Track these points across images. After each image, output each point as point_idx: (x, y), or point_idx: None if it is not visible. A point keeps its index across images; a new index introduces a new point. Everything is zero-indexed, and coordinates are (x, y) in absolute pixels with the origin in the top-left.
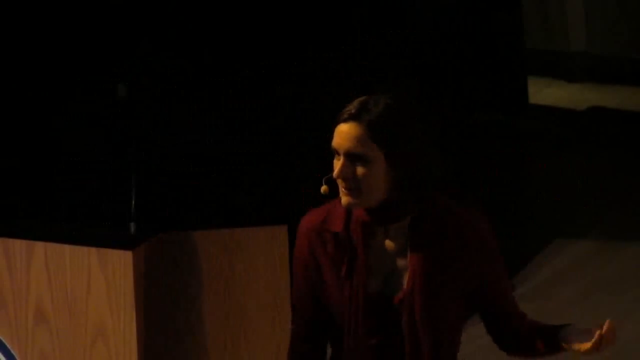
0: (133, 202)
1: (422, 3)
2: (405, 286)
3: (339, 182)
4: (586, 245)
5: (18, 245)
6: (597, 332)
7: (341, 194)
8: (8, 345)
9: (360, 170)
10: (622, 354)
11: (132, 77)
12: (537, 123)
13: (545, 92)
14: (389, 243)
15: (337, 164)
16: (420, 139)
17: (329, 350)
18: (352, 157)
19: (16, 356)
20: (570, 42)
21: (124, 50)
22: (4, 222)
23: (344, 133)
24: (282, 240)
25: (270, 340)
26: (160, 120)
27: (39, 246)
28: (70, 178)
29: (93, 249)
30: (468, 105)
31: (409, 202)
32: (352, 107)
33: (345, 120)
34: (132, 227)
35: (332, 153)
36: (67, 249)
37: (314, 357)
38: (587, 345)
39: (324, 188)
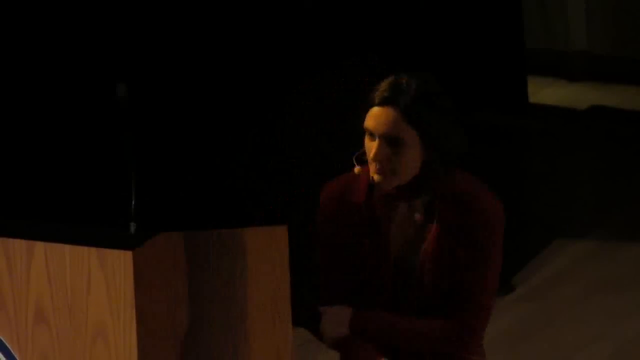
0: (133, 202)
1: (423, 3)
2: (423, 254)
3: (373, 162)
4: (586, 245)
5: (18, 245)
6: None
7: (373, 173)
8: (8, 345)
9: (396, 152)
10: (622, 354)
11: (132, 77)
12: (537, 123)
13: (546, 92)
14: (410, 214)
15: (372, 145)
16: (448, 116)
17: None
18: (388, 140)
19: (16, 356)
20: (571, 42)
21: (124, 50)
22: (4, 222)
23: (381, 117)
24: (282, 240)
25: (270, 341)
26: (160, 120)
27: (39, 246)
28: (70, 178)
29: (93, 249)
30: (468, 105)
31: (437, 178)
32: (384, 90)
33: (380, 104)
34: (132, 227)
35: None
36: (67, 249)
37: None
38: None
39: (357, 169)
